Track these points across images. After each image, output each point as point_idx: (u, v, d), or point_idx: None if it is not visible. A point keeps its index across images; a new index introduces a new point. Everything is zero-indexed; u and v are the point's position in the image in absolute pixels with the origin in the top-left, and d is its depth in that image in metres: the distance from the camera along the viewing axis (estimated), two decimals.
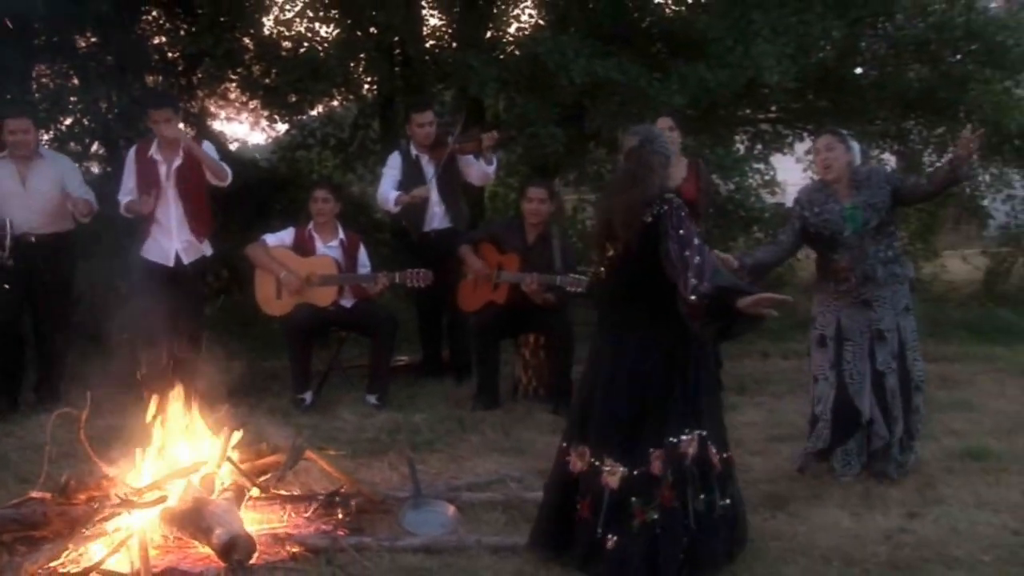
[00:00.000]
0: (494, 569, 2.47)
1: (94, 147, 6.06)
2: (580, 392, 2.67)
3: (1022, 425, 3.81)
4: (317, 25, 6.81)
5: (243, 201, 4.58)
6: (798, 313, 4.13)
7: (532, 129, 5.70)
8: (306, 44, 6.53)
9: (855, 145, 3.33)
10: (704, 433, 2.48)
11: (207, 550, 2.52)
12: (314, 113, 7.39)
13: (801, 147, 7.10)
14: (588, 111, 5.85)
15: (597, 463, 2.48)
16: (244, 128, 9.68)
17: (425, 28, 6.91)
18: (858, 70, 6.52)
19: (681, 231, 2.44)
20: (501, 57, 6.15)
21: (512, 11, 7.13)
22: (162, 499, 2.64)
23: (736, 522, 2.55)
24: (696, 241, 2.45)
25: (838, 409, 3.19)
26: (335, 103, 7.47)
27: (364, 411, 4.22)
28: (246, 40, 6.40)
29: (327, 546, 2.59)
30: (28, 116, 4.29)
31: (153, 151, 4.30)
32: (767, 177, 6.68)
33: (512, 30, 7.00)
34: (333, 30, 6.79)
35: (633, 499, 2.42)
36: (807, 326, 3.41)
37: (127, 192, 4.30)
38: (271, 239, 4.50)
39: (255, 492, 2.82)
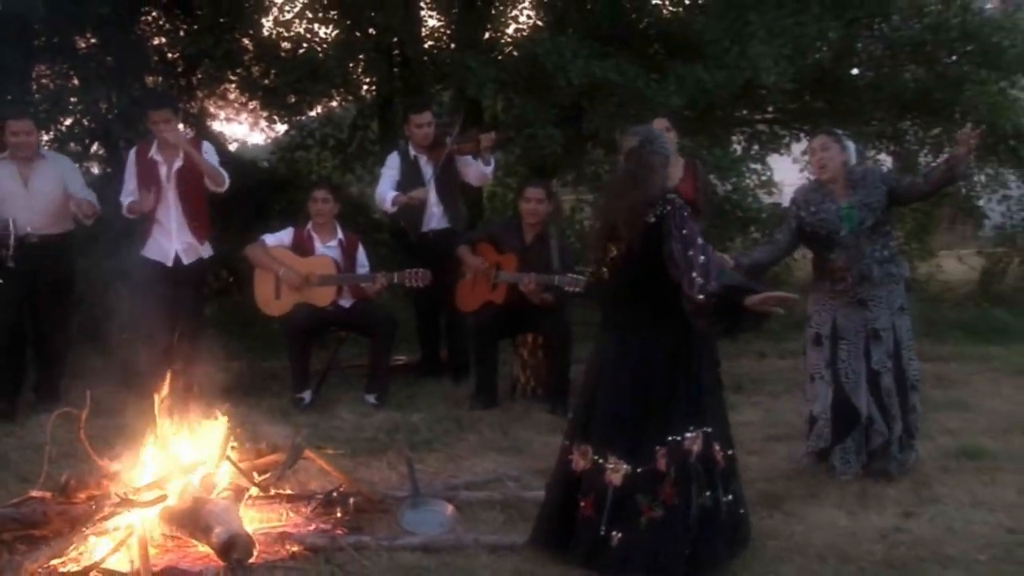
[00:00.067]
0: (492, 568, 2.48)
1: (94, 147, 6.07)
2: (583, 391, 2.68)
3: (1017, 424, 3.82)
4: (316, 26, 6.84)
5: (242, 201, 4.60)
6: (795, 313, 4.13)
7: (530, 130, 5.72)
8: (305, 45, 6.56)
9: (850, 145, 3.35)
10: (709, 430, 2.51)
11: (206, 549, 2.53)
12: (313, 114, 7.42)
13: (798, 147, 7.13)
14: (586, 112, 5.87)
15: (600, 461, 2.50)
16: (243, 129, 9.72)
17: (424, 29, 6.93)
18: (854, 71, 6.56)
19: (684, 231, 2.46)
20: (499, 58, 6.18)
21: (510, 12, 7.15)
22: (162, 498, 2.65)
23: (740, 521, 2.57)
24: (699, 240, 2.47)
25: (836, 408, 3.21)
26: (334, 104, 7.50)
27: (363, 410, 4.23)
28: (245, 41, 6.42)
29: (326, 545, 2.60)
30: (30, 117, 4.31)
31: (153, 152, 4.32)
32: (764, 177, 6.71)
33: (510, 31, 7.04)
34: (332, 31, 6.81)
35: (639, 496, 2.44)
36: (803, 326, 3.43)
37: (128, 193, 4.32)
38: (270, 239, 4.52)
39: (254, 491, 2.83)
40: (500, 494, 3.03)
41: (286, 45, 6.56)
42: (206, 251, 4.44)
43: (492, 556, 2.55)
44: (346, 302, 4.45)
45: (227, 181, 4.33)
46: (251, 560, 2.48)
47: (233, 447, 2.89)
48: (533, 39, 6.04)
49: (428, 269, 4.36)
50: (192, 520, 2.58)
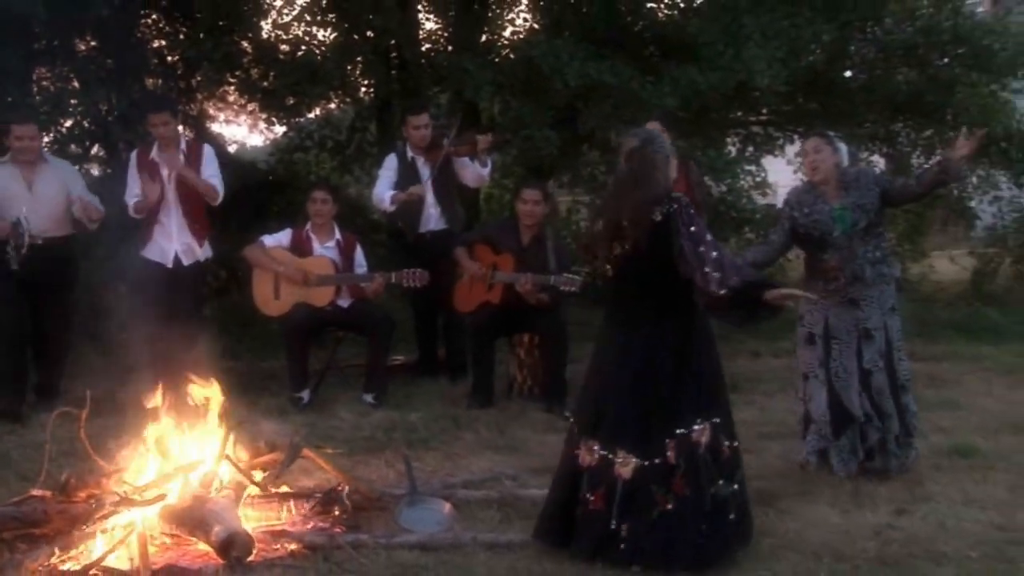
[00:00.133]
0: (488, 565, 2.50)
1: (94, 149, 6.09)
2: (588, 388, 2.71)
3: (1008, 423, 3.85)
4: (314, 29, 6.87)
5: (241, 202, 4.62)
6: (788, 312, 4.18)
7: (527, 131, 5.75)
8: (304, 48, 6.58)
9: (843, 147, 3.38)
10: (716, 421, 2.56)
11: (206, 547, 2.55)
12: (312, 116, 7.43)
13: (792, 149, 7.16)
14: (582, 114, 5.90)
15: (609, 456, 2.52)
16: (243, 130, 9.74)
17: (421, 32, 6.96)
18: (847, 73, 6.61)
19: (692, 228, 2.52)
20: (496, 60, 6.21)
21: (507, 15, 7.18)
22: (161, 497, 2.67)
23: (746, 512, 2.61)
24: (709, 237, 2.52)
25: (831, 407, 3.23)
26: (332, 106, 7.52)
27: (361, 410, 4.25)
28: (244, 44, 6.44)
29: (324, 543, 2.62)
30: (34, 122, 4.33)
31: (154, 154, 4.35)
32: (758, 179, 6.75)
33: (507, 34, 7.06)
34: (330, 34, 6.84)
35: (653, 487, 2.47)
36: (796, 325, 3.46)
37: (133, 195, 4.34)
38: (269, 240, 4.54)
39: (253, 490, 2.84)
40: (497, 492, 3.05)
41: (285, 48, 6.58)
42: (205, 252, 4.46)
43: (489, 554, 2.56)
44: (344, 302, 4.48)
45: (220, 195, 4.37)
46: (250, 558, 2.49)
47: (232, 446, 2.90)
48: (529, 42, 6.07)
49: (426, 270, 4.39)
50: (191, 518, 2.59)
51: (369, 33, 6.44)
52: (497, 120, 6.38)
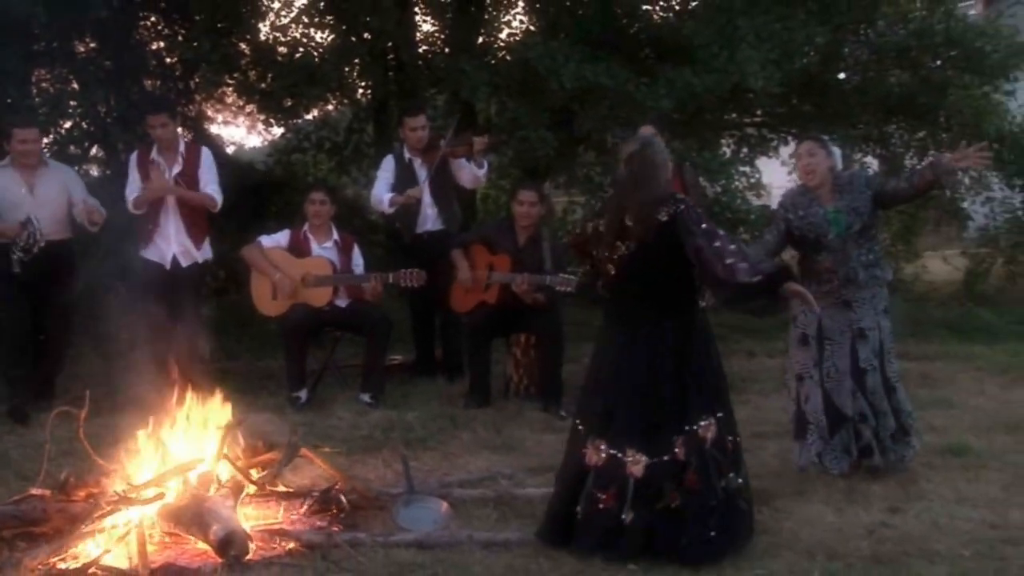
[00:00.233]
0: (485, 564, 2.51)
1: (93, 151, 6.10)
2: (591, 388, 2.73)
3: (1001, 422, 3.87)
4: (312, 31, 6.89)
5: (239, 203, 4.63)
6: (784, 313, 4.20)
7: (523, 133, 5.77)
8: (301, 49, 6.60)
9: (836, 151, 3.41)
10: (721, 416, 2.61)
11: (204, 546, 2.56)
12: (309, 117, 7.45)
13: (786, 150, 7.20)
14: (578, 115, 5.93)
15: (619, 455, 2.55)
16: (241, 131, 9.75)
17: (418, 34, 6.98)
18: (841, 75, 6.65)
19: (704, 225, 2.58)
20: (493, 62, 6.24)
21: (503, 17, 7.21)
22: (160, 496, 2.68)
23: (750, 506, 2.66)
24: (721, 232, 2.58)
25: (826, 407, 3.26)
26: (330, 107, 7.54)
27: (358, 409, 4.26)
28: (242, 45, 6.46)
29: (322, 542, 2.63)
30: (35, 125, 4.34)
31: (154, 155, 4.37)
32: (753, 180, 6.77)
33: (503, 36, 7.10)
34: (328, 36, 6.86)
35: (664, 484, 2.51)
36: (789, 325, 3.48)
37: (133, 190, 4.35)
38: (266, 241, 4.55)
39: (251, 489, 2.85)
40: (493, 491, 3.06)
41: (282, 50, 6.60)
42: (204, 254, 4.47)
43: (485, 552, 2.58)
44: (342, 302, 4.49)
45: (219, 204, 4.39)
46: (248, 557, 2.50)
47: (230, 445, 2.92)
48: (526, 44, 6.09)
49: (423, 270, 4.40)
50: (190, 517, 2.60)
51: (366, 35, 6.46)
52: (494, 121, 6.40)
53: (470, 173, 4.88)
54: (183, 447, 2.88)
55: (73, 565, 2.46)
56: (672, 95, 5.42)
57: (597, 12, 6.06)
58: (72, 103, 5.58)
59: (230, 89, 6.84)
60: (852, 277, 3.25)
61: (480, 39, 6.71)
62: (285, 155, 7.57)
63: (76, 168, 5.19)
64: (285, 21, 7.00)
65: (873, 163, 7.18)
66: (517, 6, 7.17)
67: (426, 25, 7.19)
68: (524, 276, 4.22)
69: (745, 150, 7.27)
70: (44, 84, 5.71)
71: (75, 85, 5.66)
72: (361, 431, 3.90)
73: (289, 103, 6.41)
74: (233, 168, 5.15)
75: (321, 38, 6.88)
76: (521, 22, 7.17)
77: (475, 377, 4.39)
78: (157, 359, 3.90)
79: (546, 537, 2.63)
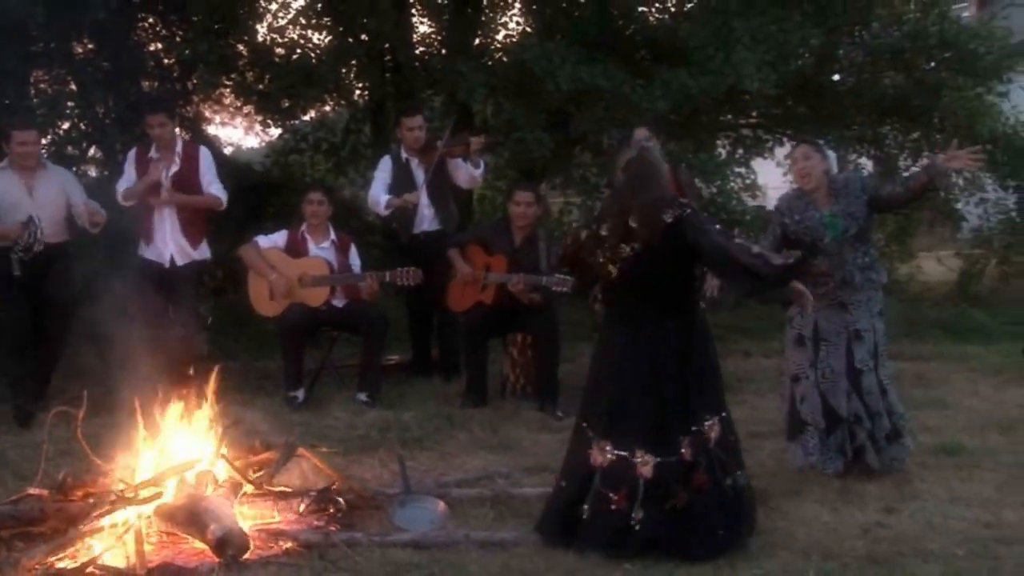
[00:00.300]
0: (482, 563, 2.52)
1: (91, 151, 6.10)
2: (595, 389, 2.75)
3: (994, 422, 3.89)
4: (310, 32, 6.90)
5: (237, 204, 4.64)
6: (779, 314, 4.22)
7: (519, 134, 5.79)
8: (299, 51, 6.61)
9: (831, 154, 3.43)
10: (725, 415, 2.66)
11: (201, 545, 2.57)
12: (307, 118, 7.46)
13: (781, 151, 7.23)
14: (574, 117, 5.95)
15: (627, 456, 2.58)
16: (238, 132, 9.76)
17: (415, 35, 7.00)
18: (836, 77, 6.69)
19: (717, 226, 2.67)
20: (489, 64, 6.25)
21: (500, 19, 7.23)
22: (157, 495, 2.69)
23: (752, 505, 2.69)
24: (728, 231, 2.69)
25: (823, 407, 3.27)
26: (327, 108, 7.55)
27: (355, 409, 4.27)
28: (240, 47, 6.46)
29: (319, 541, 2.63)
30: (34, 127, 4.34)
31: (152, 153, 4.38)
32: (748, 181, 6.80)
33: (500, 37, 7.11)
34: (325, 37, 6.87)
35: (673, 484, 2.54)
36: (786, 326, 3.50)
37: (125, 182, 4.35)
38: (263, 241, 4.56)
39: (248, 488, 2.86)
40: (490, 491, 3.07)
41: (280, 51, 6.60)
42: (202, 253, 4.49)
43: (482, 552, 2.59)
44: (339, 302, 4.50)
45: (224, 201, 4.41)
46: (245, 556, 2.51)
47: (227, 445, 2.93)
48: (522, 45, 6.11)
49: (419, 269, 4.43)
50: (187, 517, 2.61)
51: (364, 36, 6.47)
52: (490, 123, 6.41)
53: (467, 173, 4.89)
54: (180, 447, 2.89)
55: (71, 565, 2.47)
56: (668, 97, 5.44)
57: (593, 14, 6.08)
58: (70, 104, 5.59)
59: (228, 90, 6.85)
60: (848, 280, 3.27)
61: (477, 41, 6.73)
62: (282, 156, 7.57)
63: (74, 169, 5.19)
64: (282, 22, 7.01)
65: (868, 164, 7.21)
66: (513, 8, 7.20)
67: (423, 27, 7.21)
68: (520, 276, 4.24)
69: (740, 151, 7.30)
70: (42, 85, 5.71)
71: (73, 86, 5.66)
72: (358, 431, 3.91)
73: (286, 104, 6.42)
74: (231, 169, 5.16)
75: (318, 39, 6.89)
76: (517, 24, 7.20)
77: (472, 377, 4.40)
78: (155, 358, 3.90)
79: (547, 533, 2.64)
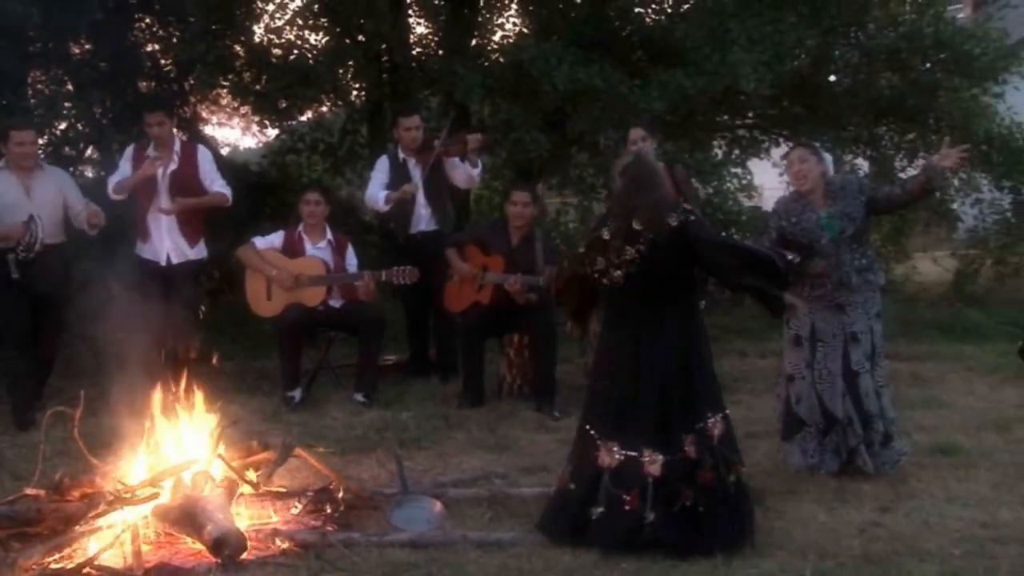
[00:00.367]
0: (479, 563, 2.53)
1: (88, 152, 6.09)
2: (598, 391, 2.77)
3: (990, 421, 3.90)
4: (307, 33, 6.90)
5: (234, 204, 4.64)
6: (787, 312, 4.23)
7: (516, 134, 5.79)
8: (296, 51, 6.60)
9: (827, 156, 3.45)
10: (727, 412, 2.69)
11: (199, 546, 2.57)
12: (304, 118, 7.45)
13: (777, 152, 7.23)
14: (570, 117, 5.95)
15: (635, 455, 2.60)
16: (235, 133, 9.77)
17: (412, 36, 7.01)
18: (832, 78, 6.70)
19: (723, 232, 2.70)
20: (486, 64, 6.26)
21: (497, 20, 7.23)
22: (154, 496, 2.69)
23: (751, 500, 2.72)
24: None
25: (820, 408, 3.29)
26: (324, 109, 7.54)
27: (352, 409, 4.27)
28: (237, 47, 6.45)
29: (316, 541, 2.64)
30: (32, 127, 4.33)
31: (150, 151, 4.38)
32: (744, 181, 6.81)
33: (497, 38, 7.12)
34: (322, 38, 6.87)
35: (678, 482, 2.56)
36: (783, 326, 3.51)
37: (119, 175, 4.34)
38: (260, 242, 4.57)
39: (246, 489, 2.87)
40: (487, 491, 3.08)
41: (277, 51, 6.60)
42: (198, 252, 4.49)
43: (479, 552, 2.59)
44: (336, 302, 4.51)
45: (229, 196, 4.41)
46: (242, 556, 2.51)
47: (224, 445, 2.93)
48: (519, 46, 6.12)
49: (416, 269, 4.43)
50: (184, 517, 2.61)
51: (360, 37, 6.48)
52: (487, 123, 6.42)
53: (464, 173, 4.90)
54: (177, 447, 2.89)
55: (68, 565, 2.47)
56: (664, 97, 5.45)
57: (590, 15, 6.09)
58: (67, 104, 5.58)
59: (225, 91, 6.84)
60: (845, 281, 3.27)
61: (474, 41, 6.73)
62: (280, 156, 7.56)
63: (71, 170, 5.18)
64: (280, 23, 7.00)
65: (863, 165, 7.22)
66: (510, 8, 7.20)
67: (420, 27, 7.23)
68: (517, 276, 4.25)
69: (737, 152, 7.31)
70: (39, 86, 5.70)
71: (70, 87, 5.66)
72: (355, 431, 3.91)
73: (283, 105, 6.42)
74: (228, 169, 5.15)
75: (315, 40, 6.89)
76: (514, 24, 7.20)
77: (469, 377, 4.40)
78: (152, 358, 3.90)
79: (553, 534, 2.65)
